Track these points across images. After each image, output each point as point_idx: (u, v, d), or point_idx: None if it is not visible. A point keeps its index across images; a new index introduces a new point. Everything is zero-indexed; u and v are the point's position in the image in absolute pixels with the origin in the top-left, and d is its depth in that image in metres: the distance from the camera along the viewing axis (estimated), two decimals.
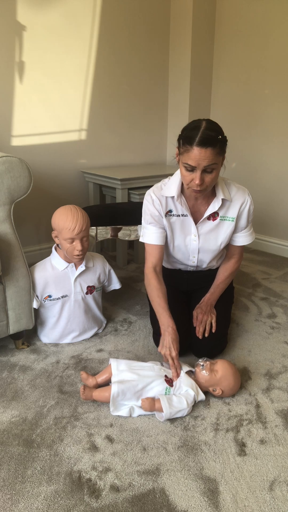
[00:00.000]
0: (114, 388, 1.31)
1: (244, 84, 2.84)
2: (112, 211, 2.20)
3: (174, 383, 1.37)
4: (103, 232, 2.15)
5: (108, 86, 2.73)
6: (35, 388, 1.45)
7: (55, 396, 1.41)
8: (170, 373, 1.40)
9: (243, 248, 1.70)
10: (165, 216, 1.55)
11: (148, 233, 1.58)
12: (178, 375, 1.38)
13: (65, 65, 2.48)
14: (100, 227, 2.14)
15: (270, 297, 2.22)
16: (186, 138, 1.31)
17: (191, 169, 1.34)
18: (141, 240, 1.62)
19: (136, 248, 2.75)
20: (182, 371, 1.40)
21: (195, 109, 2.99)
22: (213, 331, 1.59)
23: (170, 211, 1.55)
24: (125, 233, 2.17)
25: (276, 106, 2.69)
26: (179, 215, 1.55)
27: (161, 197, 1.53)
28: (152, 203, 1.53)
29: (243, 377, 1.52)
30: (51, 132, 2.54)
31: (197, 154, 1.29)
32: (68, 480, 1.09)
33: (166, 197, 1.53)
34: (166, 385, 1.35)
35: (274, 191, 2.84)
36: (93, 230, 2.12)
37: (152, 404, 1.30)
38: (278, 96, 2.66)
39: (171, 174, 1.59)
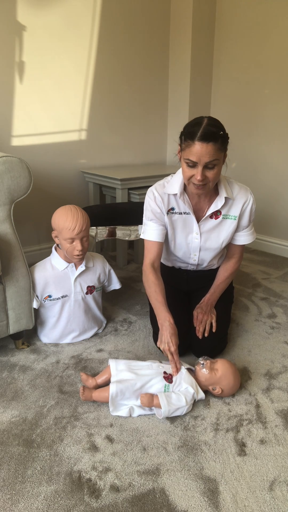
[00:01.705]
0: (112, 388, 1.31)
1: (244, 84, 2.84)
2: (112, 211, 2.20)
3: (173, 379, 1.36)
4: (103, 232, 2.15)
5: (108, 86, 2.73)
6: (35, 388, 1.45)
7: (55, 396, 1.41)
8: (169, 369, 1.39)
9: (244, 248, 1.70)
10: (167, 213, 1.55)
11: (149, 230, 1.58)
12: (178, 370, 1.38)
13: (65, 65, 2.49)
14: (100, 227, 2.14)
15: (270, 297, 2.22)
16: (188, 133, 1.32)
17: (193, 164, 1.34)
18: (141, 236, 1.62)
19: (136, 248, 2.75)
20: (183, 367, 1.40)
21: (195, 109, 2.99)
22: (213, 331, 1.58)
23: (172, 208, 1.55)
24: (125, 233, 2.17)
25: (276, 106, 2.69)
26: (181, 213, 1.55)
27: (163, 195, 1.53)
28: (154, 200, 1.53)
29: (243, 377, 1.52)
30: (51, 132, 2.54)
31: (198, 149, 1.29)
32: (68, 480, 1.09)
33: (169, 194, 1.53)
34: (165, 382, 1.35)
35: (274, 191, 2.84)
36: (93, 230, 2.12)
37: (150, 400, 1.30)
38: (278, 96, 2.66)
39: (171, 174, 1.59)
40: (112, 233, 2.14)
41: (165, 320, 1.45)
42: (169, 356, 1.40)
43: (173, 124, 3.12)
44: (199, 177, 1.33)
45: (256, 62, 2.73)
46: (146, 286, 1.57)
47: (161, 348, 1.43)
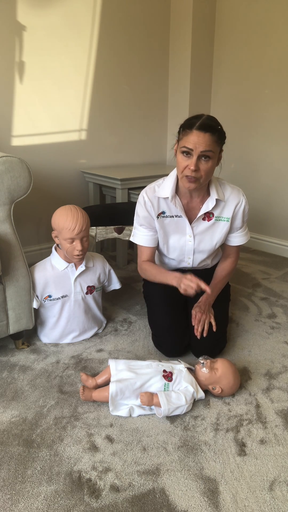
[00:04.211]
0: (112, 387, 1.31)
1: (244, 84, 2.84)
2: (112, 211, 2.21)
3: (173, 377, 1.36)
4: (103, 232, 2.15)
5: (108, 86, 2.73)
6: (35, 388, 1.45)
7: (55, 396, 1.41)
8: (169, 367, 1.39)
9: (239, 248, 1.70)
10: (157, 217, 1.55)
11: (139, 235, 1.59)
12: (205, 287, 1.32)
13: (65, 65, 2.48)
14: (100, 227, 2.14)
15: (270, 297, 2.22)
16: (187, 124, 1.35)
17: (188, 152, 1.34)
18: (131, 239, 1.63)
19: (136, 248, 2.75)
20: (183, 366, 1.40)
21: (195, 110, 2.99)
22: (214, 330, 1.58)
23: (163, 212, 1.55)
24: (125, 233, 2.17)
25: (276, 106, 2.69)
26: (172, 216, 1.55)
27: (153, 198, 1.52)
28: (144, 205, 1.53)
29: (243, 377, 1.52)
30: (51, 132, 2.54)
31: (195, 138, 1.32)
32: (68, 480, 1.09)
33: (159, 198, 1.52)
34: (164, 381, 1.35)
35: (274, 191, 2.84)
36: (93, 230, 2.12)
37: (150, 398, 1.30)
38: (278, 96, 2.66)
39: (164, 177, 1.59)
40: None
41: (174, 277, 1.42)
42: (194, 284, 1.33)
43: (173, 125, 3.12)
44: (192, 167, 1.34)
45: (256, 62, 2.73)
46: (147, 274, 1.59)
47: (184, 288, 1.36)
